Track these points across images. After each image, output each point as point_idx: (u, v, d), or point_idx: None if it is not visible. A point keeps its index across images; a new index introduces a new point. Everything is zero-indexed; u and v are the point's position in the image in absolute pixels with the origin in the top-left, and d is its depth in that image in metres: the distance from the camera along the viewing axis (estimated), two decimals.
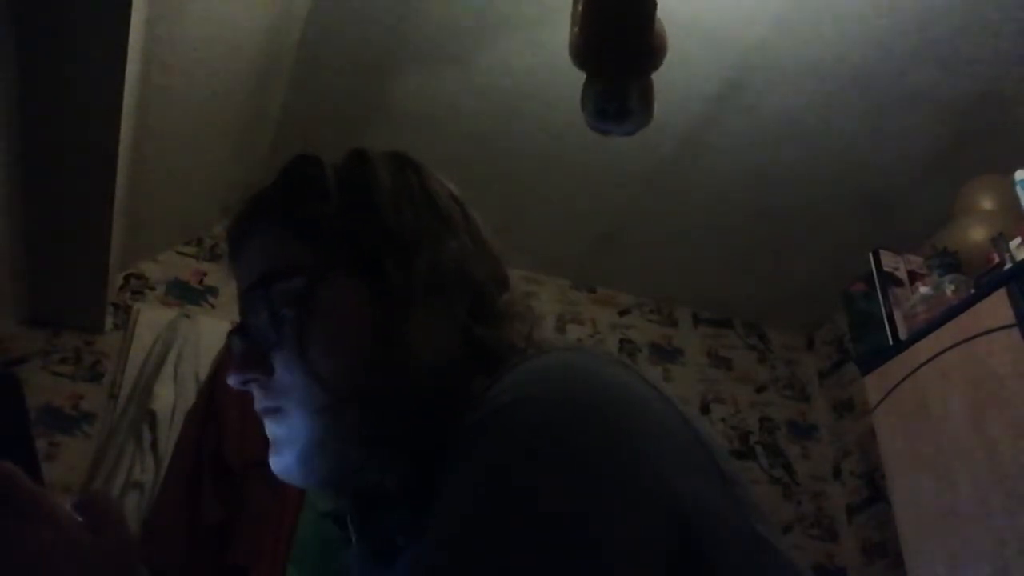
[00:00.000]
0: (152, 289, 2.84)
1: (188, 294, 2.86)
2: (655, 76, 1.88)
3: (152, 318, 2.71)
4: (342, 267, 0.62)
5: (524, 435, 0.50)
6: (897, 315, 2.38)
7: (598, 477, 0.48)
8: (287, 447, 0.62)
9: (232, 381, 0.63)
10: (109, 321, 2.70)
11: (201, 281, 2.90)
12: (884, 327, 2.39)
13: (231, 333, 0.65)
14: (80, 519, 0.50)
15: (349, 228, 0.63)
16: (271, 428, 0.63)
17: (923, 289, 2.36)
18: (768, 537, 0.52)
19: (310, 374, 0.59)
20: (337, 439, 0.60)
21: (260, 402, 0.63)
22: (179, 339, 2.61)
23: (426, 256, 0.62)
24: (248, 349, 0.63)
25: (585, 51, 1.85)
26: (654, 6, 1.77)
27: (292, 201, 0.65)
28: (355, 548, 0.67)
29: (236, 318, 0.65)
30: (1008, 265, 2.13)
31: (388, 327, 0.59)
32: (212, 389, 2.50)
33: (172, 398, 2.49)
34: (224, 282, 2.90)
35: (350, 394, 0.59)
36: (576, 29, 1.85)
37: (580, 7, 1.83)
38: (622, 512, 0.47)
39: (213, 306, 2.86)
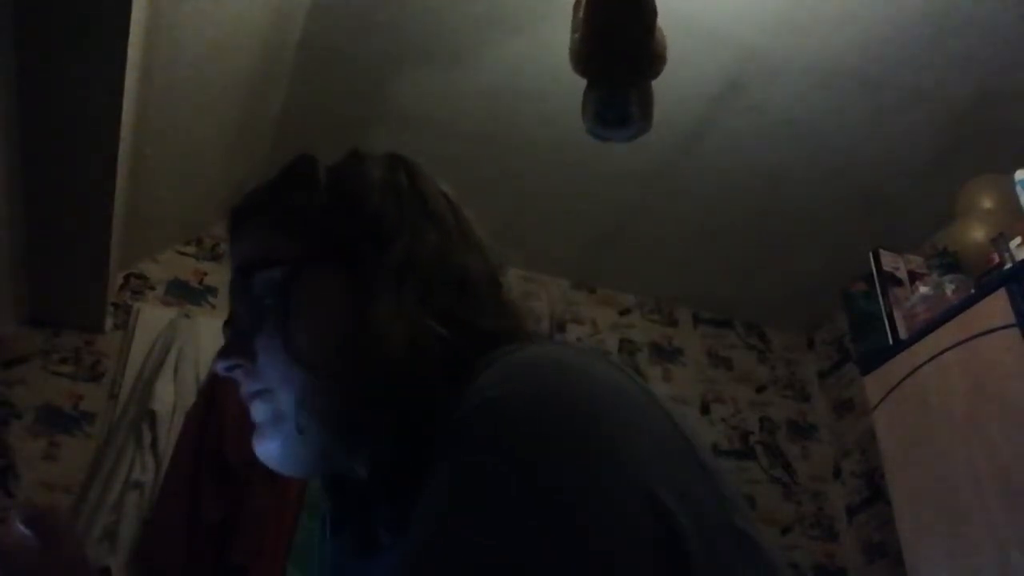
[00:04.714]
0: (152, 289, 2.84)
1: (188, 294, 2.86)
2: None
3: (152, 318, 2.71)
4: (324, 258, 0.65)
5: (505, 431, 0.50)
6: (897, 315, 2.38)
7: (580, 472, 0.48)
8: (270, 430, 0.64)
9: (218, 367, 0.65)
10: (109, 321, 2.70)
11: (201, 281, 2.90)
12: (884, 327, 2.39)
13: (224, 324, 0.68)
14: (29, 534, 0.49)
15: (332, 220, 0.66)
16: (256, 411, 0.65)
17: (923, 289, 2.36)
18: (747, 530, 0.52)
19: (289, 359, 0.62)
20: (315, 423, 0.62)
21: (246, 387, 0.66)
22: (179, 339, 2.61)
23: (402, 246, 0.64)
24: (234, 337, 0.66)
25: (586, 58, 1.85)
26: (654, 14, 1.78)
27: (280, 195, 0.69)
28: (334, 543, 0.67)
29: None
30: (1008, 265, 2.13)
31: (362, 315, 0.61)
32: (212, 389, 2.50)
33: (172, 398, 2.49)
34: (224, 282, 2.91)
35: (327, 378, 0.61)
36: (577, 36, 1.86)
37: (581, 14, 1.83)
38: (606, 506, 0.47)
39: (213, 306, 2.86)
